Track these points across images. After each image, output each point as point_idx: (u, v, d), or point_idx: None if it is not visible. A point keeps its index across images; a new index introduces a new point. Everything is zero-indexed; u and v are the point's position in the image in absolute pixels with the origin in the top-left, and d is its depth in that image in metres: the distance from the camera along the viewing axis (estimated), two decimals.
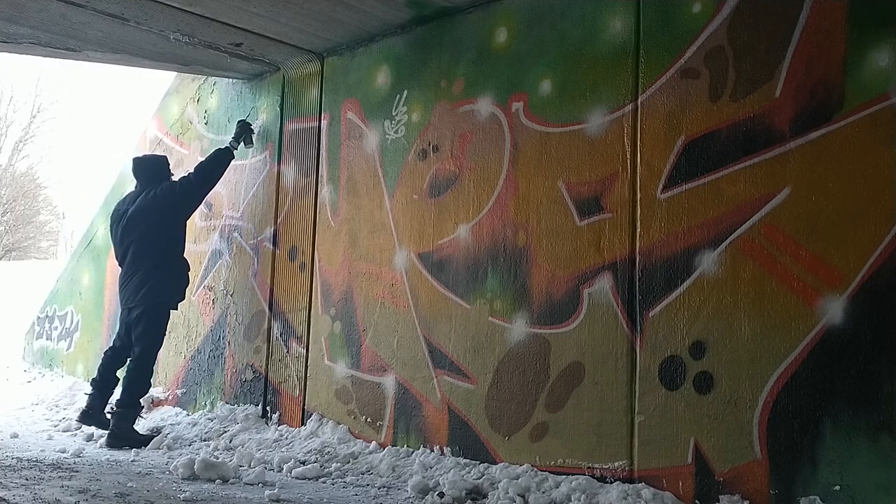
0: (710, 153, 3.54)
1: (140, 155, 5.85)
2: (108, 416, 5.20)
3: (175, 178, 5.63)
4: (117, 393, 5.29)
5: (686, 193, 3.60)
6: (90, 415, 5.25)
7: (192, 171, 5.61)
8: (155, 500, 3.54)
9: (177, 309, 5.55)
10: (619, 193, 3.83)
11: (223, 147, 5.69)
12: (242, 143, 5.73)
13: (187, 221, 5.63)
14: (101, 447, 5.00)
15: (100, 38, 5.23)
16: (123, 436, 5.04)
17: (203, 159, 5.72)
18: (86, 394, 5.35)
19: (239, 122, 5.81)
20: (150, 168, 5.60)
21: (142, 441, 5.08)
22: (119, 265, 5.55)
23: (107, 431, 5.09)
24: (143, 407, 5.46)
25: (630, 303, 3.74)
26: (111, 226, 5.64)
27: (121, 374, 5.37)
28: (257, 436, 5.03)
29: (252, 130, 5.76)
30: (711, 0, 3.61)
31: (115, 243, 5.58)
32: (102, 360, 5.43)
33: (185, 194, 5.49)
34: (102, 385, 5.31)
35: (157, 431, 5.41)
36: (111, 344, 5.51)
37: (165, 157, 5.84)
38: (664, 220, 3.66)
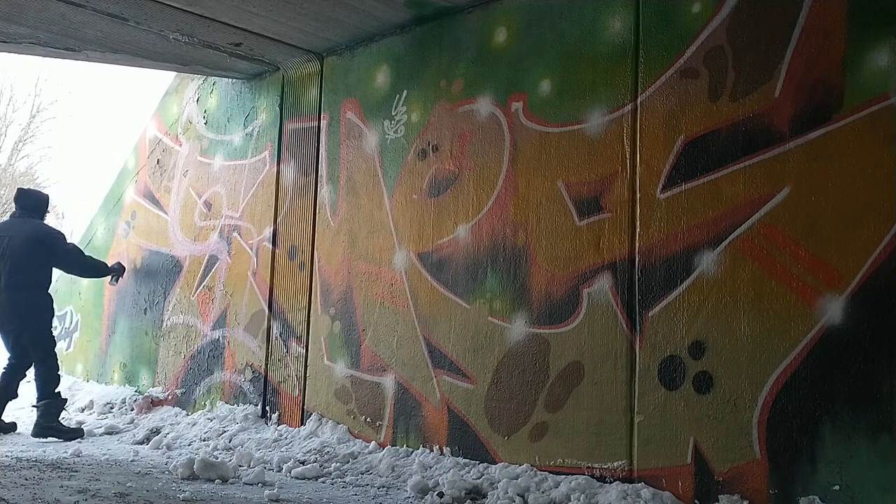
0: (709, 153, 3.54)
1: (26, 188, 6.19)
2: (34, 410, 5.49)
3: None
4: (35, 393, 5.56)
5: (685, 193, 3.60)
6: None
7: (84, 255, 6.13)
8: (154, 500, 3.54)
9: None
10: (619, 193, 3.83)
11: (108, 269, 6.38)
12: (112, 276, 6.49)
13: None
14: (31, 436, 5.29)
15: (99, 37, 5.23)
16: (49, 427, 5.35)
17: (91, 258, 6.28)
18: None
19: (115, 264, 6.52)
20: (35, 203, 5.89)
21: (67, 432, 5.35)
22: None
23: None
24: (65, 400, 5.70)
25: (629, 303, 3.74)
26: None
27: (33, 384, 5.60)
28: (257, 436, 5.03)
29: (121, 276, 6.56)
30: (711, 0, 3.61)
31: None
32: (1, 378, 5.58)
33: (65, 253, 5.86)
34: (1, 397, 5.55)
35: (156, 431, 5.42)
36: (7, 364, 5.63)
37: (48, 196, 6.11)
38: (664, 219, 3.66)
